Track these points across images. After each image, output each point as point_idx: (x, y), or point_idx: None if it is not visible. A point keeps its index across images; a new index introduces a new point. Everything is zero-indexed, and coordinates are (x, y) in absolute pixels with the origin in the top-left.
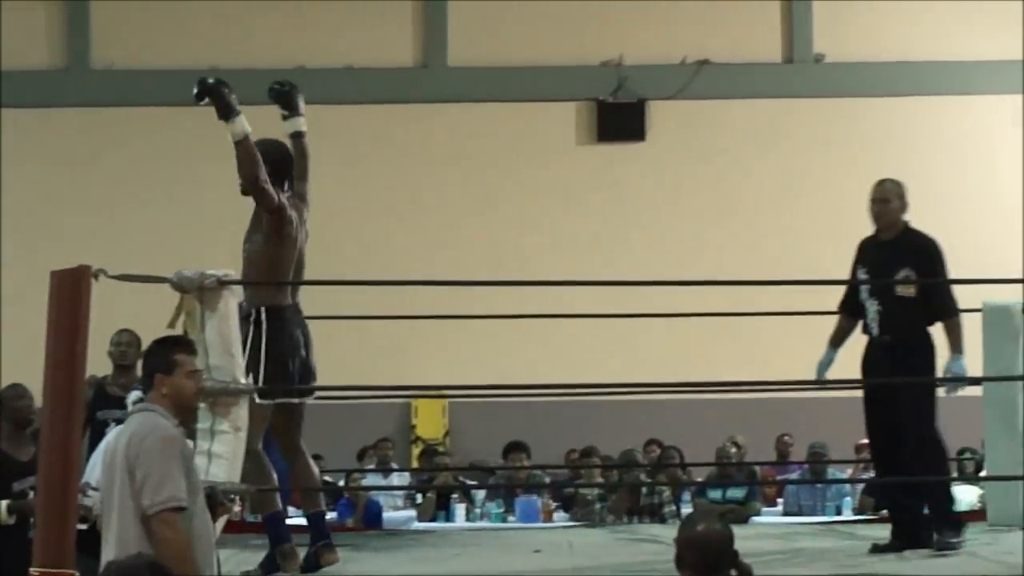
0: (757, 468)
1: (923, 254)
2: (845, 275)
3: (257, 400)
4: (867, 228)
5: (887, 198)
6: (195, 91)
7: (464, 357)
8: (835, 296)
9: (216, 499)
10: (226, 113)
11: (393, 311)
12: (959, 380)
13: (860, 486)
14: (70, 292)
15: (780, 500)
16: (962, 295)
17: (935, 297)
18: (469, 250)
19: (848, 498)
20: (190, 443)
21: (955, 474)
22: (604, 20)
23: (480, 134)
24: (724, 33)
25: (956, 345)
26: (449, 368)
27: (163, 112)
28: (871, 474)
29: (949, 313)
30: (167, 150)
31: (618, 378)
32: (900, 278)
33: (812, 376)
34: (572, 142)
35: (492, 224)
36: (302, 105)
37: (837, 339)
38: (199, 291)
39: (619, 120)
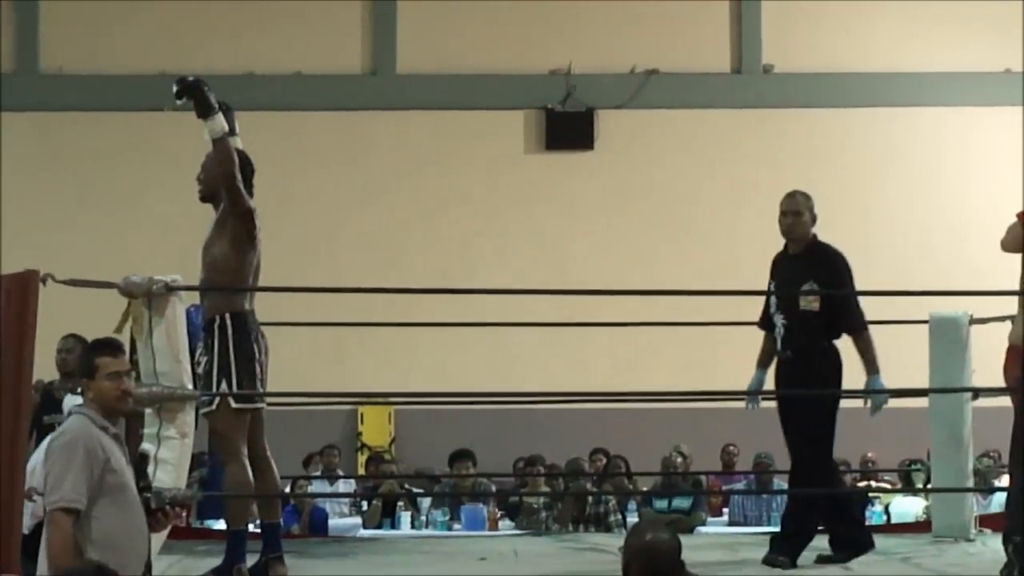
0: (703, 478)
1: (829, 267)
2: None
3: (234, 406)
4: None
5: (799, 210)
6: (175, 89)
7: (411, 364)
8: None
9: (159, 506)
10: (205, 111)
11: (339, 318)
12: (887, 392)
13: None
14: (18, 296)
15: (725, 510)
16: (908, 308)
17: (841, 311)
18: (416, 257)
19: None
20: (110, 444)
21: (903, 485)
22: (553, 28)
23: (429, 141)
24: (673, 43)
25: (872, 365)
26: (395, 375)
27: (112, 117)
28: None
29: (856, 327)
30: (116, 155)
31: (565, 387)
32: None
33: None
34: (520, 150)
35: (439, 231)
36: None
37: (764, 360)
38: (147, 296)
39: (567, 129)
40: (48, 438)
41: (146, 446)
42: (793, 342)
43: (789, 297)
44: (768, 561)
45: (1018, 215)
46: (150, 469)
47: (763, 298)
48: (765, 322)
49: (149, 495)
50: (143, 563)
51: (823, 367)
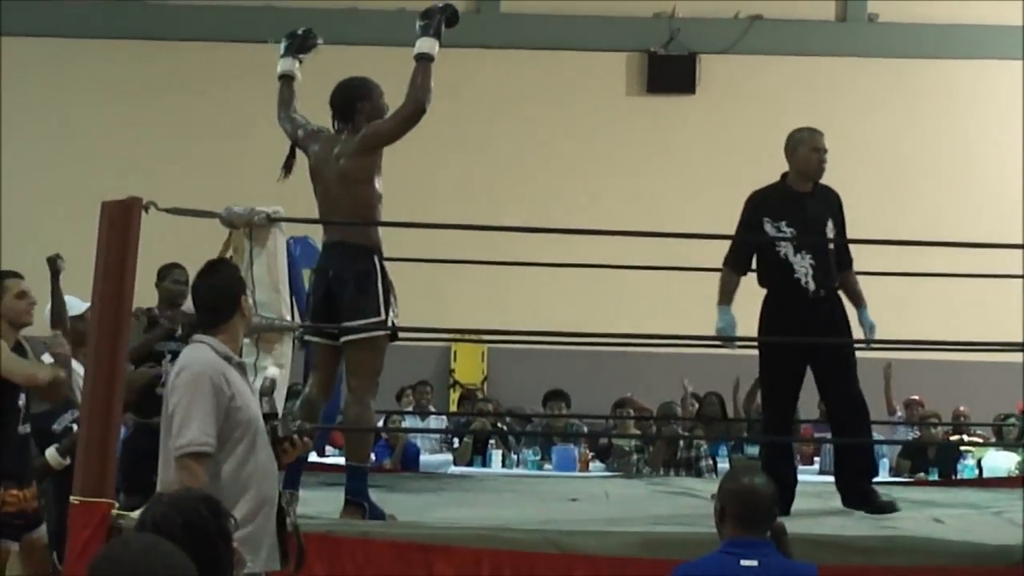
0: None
1: (838, 205)
2: (898, 233)
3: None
4: (918, 187)
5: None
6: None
7: (505, 303)
8: (884, 252)
9: (286, 435)
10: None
11: (435, 254)
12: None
13: (897, 447)
14: (120, 223)
15: (816, 459)
16: (1007, 262)
17: (844, 250)
18: (514, 196)
19: (885, 459)
20: (237, 377)
21: (996, 439)
22: None
23: (530, 81)
24: None
25: (863, 298)
26: (489, 314)
27: (217, 47)
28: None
29: (850, 262)
30: (220, 86)
31: (661, 329)
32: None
33: (856, 333)
34: (622, 93)
35: (538, 171)
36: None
37: (731, 297)
38: (248, 227)
39: (670, 72)
40: (172, 373)
41: (272, 370)
42: (822, 282)
43: (816, 237)
44: (880, 508)
45: None
46: (276, 395)
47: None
48: (744, 262)
49: (276, 423)
50: (274, 503)
51: (842, 306)
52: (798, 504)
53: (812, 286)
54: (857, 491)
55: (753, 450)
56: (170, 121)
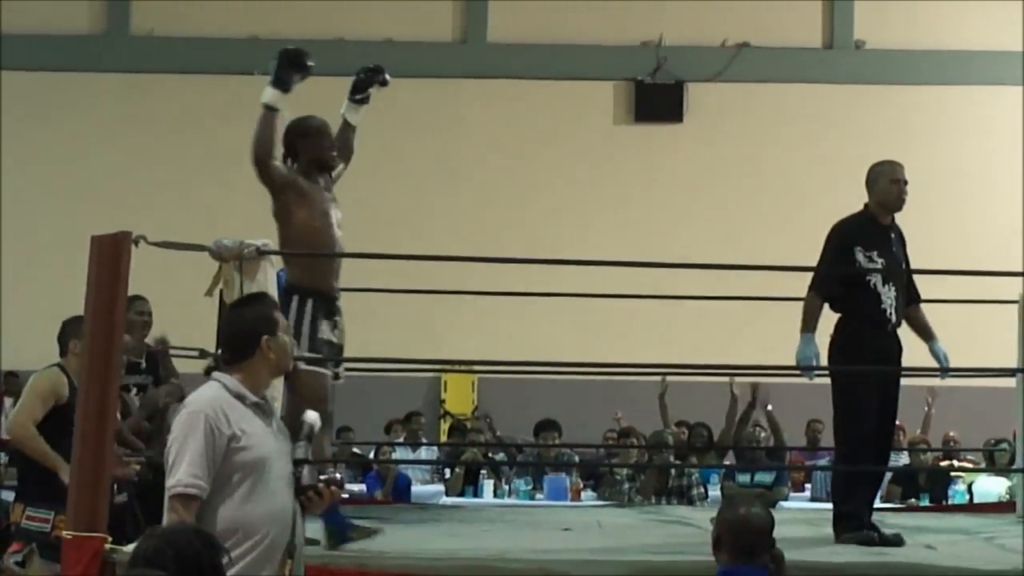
0: (787, 453)
1: (904, 239)
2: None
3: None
4: (907, 212)
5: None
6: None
7: (495, 333)
8: None
9: (310, 483)
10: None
11: (425, 285)
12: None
13: (888, 474)
14: (110, 257)
15: (808, 486)
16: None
17: (913, 284)
18: (503, 226)
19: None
20: (248, 416)
21: (987, 464)
22: (645, 0)
23: (518, 111)
24: (765, 16)
25: (931, 329)
26: (480, 344)
27: (203, 80)
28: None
29: (920, 298)
30: (207, 118)
31: (651, 358)
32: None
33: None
34: (609, 122)
35: (527, 201)
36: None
37: (816, 325)
38: (237, 260)
39: (657, 101)
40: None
41: (311, 413)
42: (900, 315)
43: (899, 269)
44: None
45: None
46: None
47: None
48: (832, 290)
49: (300, 471)
50: (280, 550)
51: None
52: (790, 531)
53: (894, 318)
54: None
55: (744, 478)
56: (158, 154)
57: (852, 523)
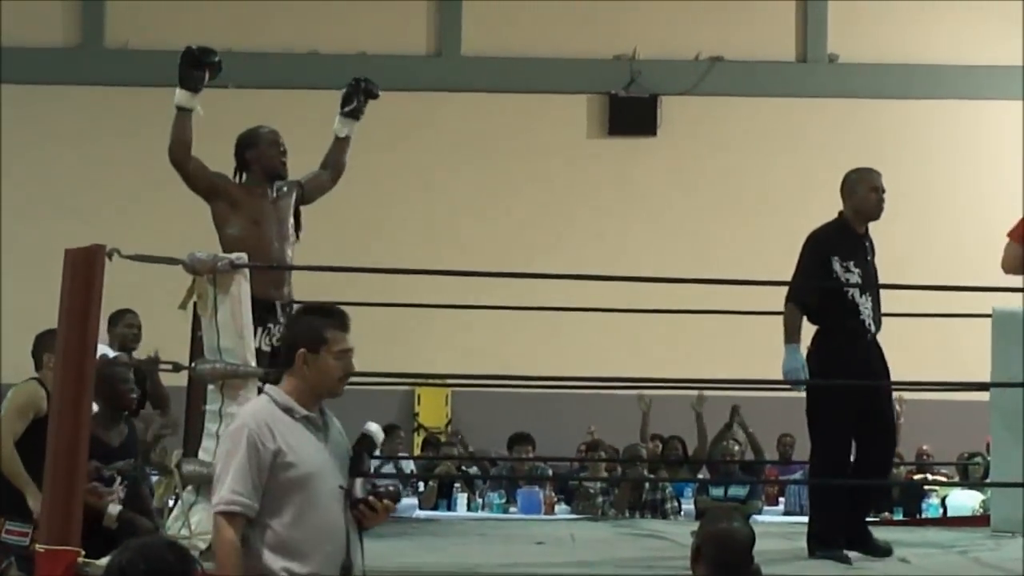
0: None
1: (874, 247)
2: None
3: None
4: (880, 226)
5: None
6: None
7: (468, 347)
8: None
9: (362, 497)
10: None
11: (398, 299)
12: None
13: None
14: (84, 271)
15: (782, 499)
16: (969, 302)
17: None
18: (476, 240)
19: None
20: (296, 429)
21: (961, 478)
22: (618, 14)
23: (491, 124)
24: (739, 30)
25: None
26: (453, 357)
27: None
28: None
29: None
30: None
31: (622, 372)
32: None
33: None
34: (583, 135)
35: (500, 214)
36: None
37: (799, 335)
38: (211, 273)
39: (631, 114)
40: None
41: (372, 426)
42: (878, 324)
43: (874, 278)
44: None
45: (1009, 234)
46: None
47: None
48: (809, 301)
49: (351, 485)
50: (335, 569)
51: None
52: (765, 545)
53: (873, 328)
54: (858, 531)
55: (717, 491)
56: (132, 167)
57: (824, 539)
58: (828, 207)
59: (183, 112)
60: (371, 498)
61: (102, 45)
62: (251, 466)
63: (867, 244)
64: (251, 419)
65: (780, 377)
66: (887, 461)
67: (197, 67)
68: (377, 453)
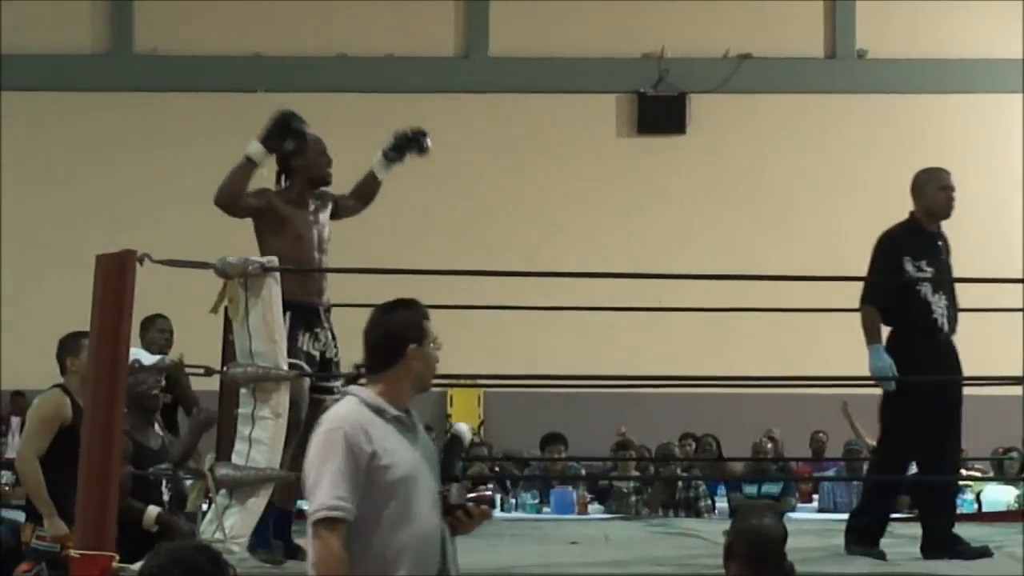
0: (792, 464)
1: (949, 245)
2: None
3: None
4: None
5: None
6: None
7: (500, 347)
8: None
9: (457, 503)
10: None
11: (428, 300)
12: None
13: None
14: (115, 276)
15: (815, 496)
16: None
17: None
18: (507, 240)
19: None
20: (390, 432)
21: (996, 473)
22: (646, 12)
23: (520, 125)
24: (767, 27)
25: None
26: (485, 358)
27: (206, 97)
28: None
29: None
30: (210, 135)
31: (654, 371)
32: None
33: (846, 372)
34: (612, 134)
35: (530, 214)
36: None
37: (880, 335)
38: (243, 277)
39: (660, 113)
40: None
41: (461, 426)
42: (953, 324)
43: (947, 277)
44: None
45: None
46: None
47: (851, 283)
48: (889, 301)
49: (447, 489)
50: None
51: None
52: (798, 542)
53: (946, 327)
54: (947, 536)
55: (751, 489)
56: (162, 172)
57: (864, 536)
58: (856, 202)
59: (249, 163)
60: (470, 504)
61: (131, 51)
62: (349, 470)
63: (939, 243)
64: (343, 421)
65: (812, 374)
66: (951, 467)
67: (286, 132)
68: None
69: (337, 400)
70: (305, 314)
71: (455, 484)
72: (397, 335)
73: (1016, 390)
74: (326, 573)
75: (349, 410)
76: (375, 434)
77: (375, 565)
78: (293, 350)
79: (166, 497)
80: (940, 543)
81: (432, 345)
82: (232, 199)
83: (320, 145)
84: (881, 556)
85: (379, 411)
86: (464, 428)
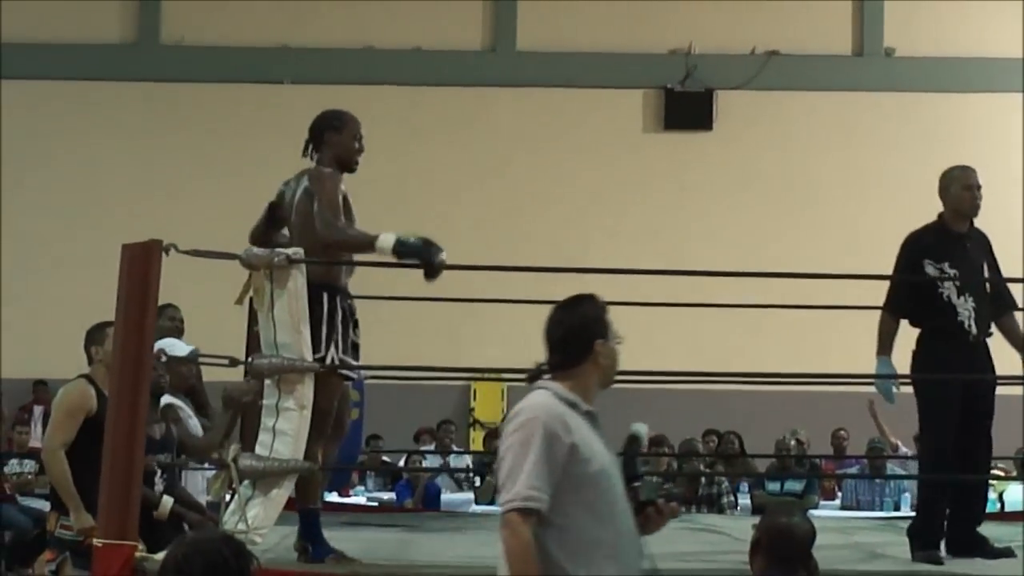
0: (817, 461)
1: (990, 247)
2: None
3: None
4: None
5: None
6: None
7: (524, 341)
8: None
9: (648, 498)
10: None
11: (453, 293)
12: None
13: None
14: (141, 266)
15: (838, 494)
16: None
17: (1006, 291)
18: (531, 234)
19: (907, 494)
20: (584, 426)
21: (1019, 473)
22: (674, 8)
23: (546, 119)
24: (795, 24)
25: None
26: (509, 351)
27: (231, 88)
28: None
29: (1015, 306)
30: (237, 126)
31: (678, 367)
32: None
33: (871, 371)
34: (639, 130)
35: (555, 209)
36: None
37: (891, 345)
38: (268, 268)
39: (687, 109)
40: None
41: (639, 426)
42: (982, 326)
43: (978, 277)
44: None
45: None
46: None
47: (876, 281)
48: (900, 307)
49: (638, 486)
50: (637, 572)
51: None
52: (821, 539)
53: (974, 330)
54: (970, 537)
55: (774, 486)
56: (189, 163)
57: (921, 541)
58: (882, 200)
59: (371, 247)
60: (661, 501)
61: (158, 42)
62: (548, 460)
63: (968, 244)
64: (542, 411)
65: (836, 372)
66: (978, 463)
67: (419, 255)
68: (431, 448)
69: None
70: (346, 297)
71: (644, 480)
72: (583, 331)
73: None
74: (520, 563)
75: (546, 401)
76: (572, 426)
77: (582, 560)
78: (344, 343)
79: (160, 488)
80: (965, 543)
81: (616, 338)
82: (340, 248)
83: (357, 129)
84: (938, 561)
85: (572, 405)
86: (642, 427)
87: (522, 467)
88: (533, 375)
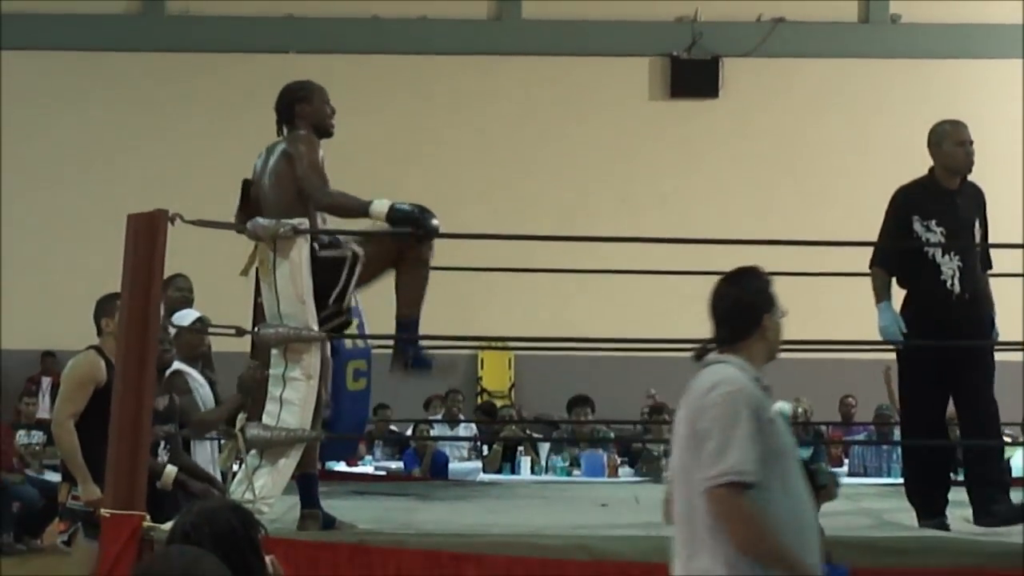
0: (824, 428)
1: (984, 203)
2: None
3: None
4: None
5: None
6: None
7: (531, 310)
8: None
9: (825, 482)
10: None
11: (460, 262)
12: None
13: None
14: (147, 236)
15: (846, 461)
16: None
17: (986, 252)
18: (538, 203)
19: None
20: (774, 403)
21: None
22: None
23: (552, 87)
24: None
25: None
26: (516, 321)
27: (236, 59)
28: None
29: (991, 265)
30: (242, 96)
31: (685, 335)
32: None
33: (877, 337)
34: (645, 97)
35: (562, 177)
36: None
37: (889, 293)
38: (273, 239)
39: (693, 76)
40: (698, 392)
41: (783, 404)
42: (968, 285)
43: (967, 237)
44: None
45: None
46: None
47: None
48: (891, 262)
49: (816, 467)
50: (818, 554)
51: (990, 309)
52: (828, 505)
53: (958, 289)
54: (990, 504)
55: None
56: (195, 133)
57: (926, 509)
58: (889, 166)
59: (363, 213)
60: (830, 486)
61: (163, 12)
62: (755, 434)
63: (959, 200)
64: (744, 385)
65: (841, 338)
66: (983, 431)
67: (411, 222)
68: (438, 416)
69: None
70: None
71: (820, 465)
72: (752, 304)
73: None
74: (751, 534)
75: (739, 375)
76: (765, 403)
77: (785, 532)
78: (356, 308)
79: (164, 459)
80: (983, 509)
81: (780, 313)
82: (332, 212)
83: (325, 94)
84: (945, 527)
85: (755, 379)
86: (787, 405)
87: (733, 441)
88: (700, 351)
